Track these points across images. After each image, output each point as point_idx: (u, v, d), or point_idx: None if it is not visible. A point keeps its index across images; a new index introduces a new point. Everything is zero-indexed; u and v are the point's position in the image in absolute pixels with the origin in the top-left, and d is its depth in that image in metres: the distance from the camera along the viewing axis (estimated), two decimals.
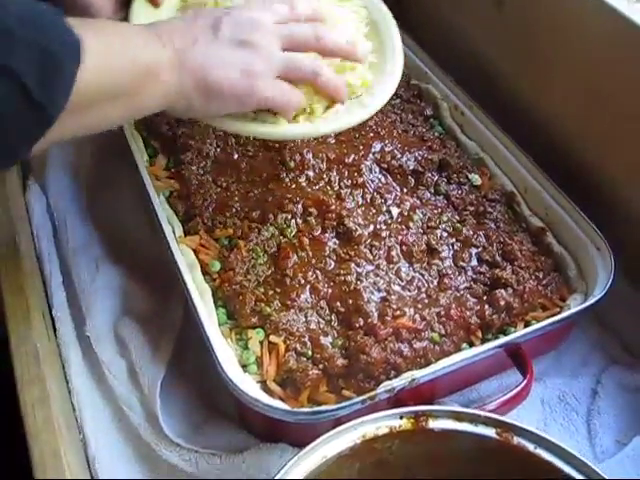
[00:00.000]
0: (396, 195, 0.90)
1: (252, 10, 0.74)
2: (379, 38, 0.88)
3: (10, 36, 0.52)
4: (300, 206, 0.86)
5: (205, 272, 0.80)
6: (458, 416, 0.62)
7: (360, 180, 0.90)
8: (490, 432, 0.62)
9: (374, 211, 0.88)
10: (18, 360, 0.72)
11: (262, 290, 0.79)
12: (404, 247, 0.84)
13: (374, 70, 0.84)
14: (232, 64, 0.69)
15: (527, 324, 0.80)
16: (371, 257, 0.82)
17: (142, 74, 0.64)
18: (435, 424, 0.62)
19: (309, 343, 0.75)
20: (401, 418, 0.61)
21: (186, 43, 0.68)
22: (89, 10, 0.79)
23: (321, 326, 0.77)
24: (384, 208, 0.88)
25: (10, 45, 0.52)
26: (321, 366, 0.73)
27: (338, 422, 0.61)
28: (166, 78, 0.66)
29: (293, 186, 0.89)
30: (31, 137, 0.56)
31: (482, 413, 0.63)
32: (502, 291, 0.80)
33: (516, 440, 0.61)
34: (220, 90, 0.69)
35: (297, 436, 0.72)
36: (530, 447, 0.61)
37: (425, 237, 0.85)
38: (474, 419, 0.62)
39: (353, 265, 0.81)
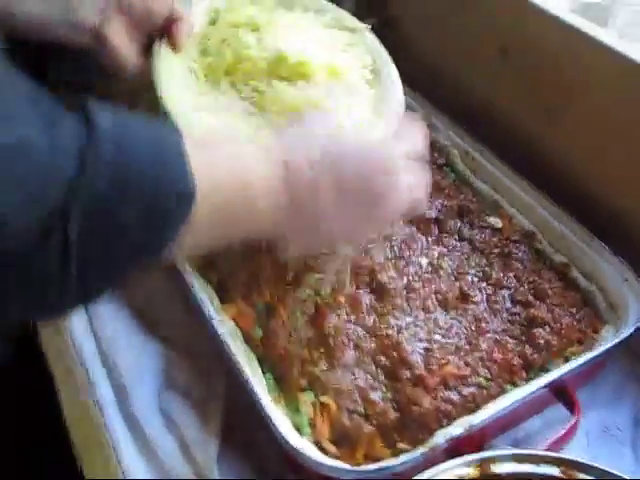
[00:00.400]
0: (422, 245, 0.92)
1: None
2: (382, 85, 0.91)
3: (124, 188, 0.52)
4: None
5: (247, 340, 0.81)
6: (520, 458, 0.64)
7: (385, 233, 0.92)
8: (554, 471, 0.63)
9: (404, 263, 0.89)
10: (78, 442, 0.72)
11: (307, 352, 0.80)
12: (438, 295, 0.85)
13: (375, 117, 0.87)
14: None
15: (566, 359, 0.81)
16: (408, 309, 0.84)
17: (254, 226, 0.67)
18: (499, 469, 0.63)
19: (359, 400, 0.76)
20: (468, 466, 0.63)
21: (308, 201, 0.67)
22: (116, 59, 0.84)
23: (369, 381, 0.77)
24: (413, 259, 0.90)
25: (122, 198, 0.52)
26: (374, 421, 0.74)
27: (398, 476, 0.62)
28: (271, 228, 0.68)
29: None
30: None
31: (542, 453, 0.64)
32: (540, 330, 0.82)
33: (581, 477, 0.62)
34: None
35: None
36: None
37: (457, 283, 0.87)
38: (535, 459, 0.63)
39: (391, 318, 0.82)
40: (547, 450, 0.73)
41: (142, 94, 0.95)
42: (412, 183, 0.72)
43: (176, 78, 0.87)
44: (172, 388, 0.84)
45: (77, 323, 0.91)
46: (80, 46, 0.84)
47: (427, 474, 0.61)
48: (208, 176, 0.58)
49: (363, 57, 0.93)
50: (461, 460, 0.62)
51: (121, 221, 0.52)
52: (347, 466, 0.69)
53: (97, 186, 0.50)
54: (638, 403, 0.85)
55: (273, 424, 0.70)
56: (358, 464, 0.72)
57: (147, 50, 0.89)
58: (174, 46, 0.88)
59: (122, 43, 0.85)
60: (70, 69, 1.00)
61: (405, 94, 1.12)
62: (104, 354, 0.88)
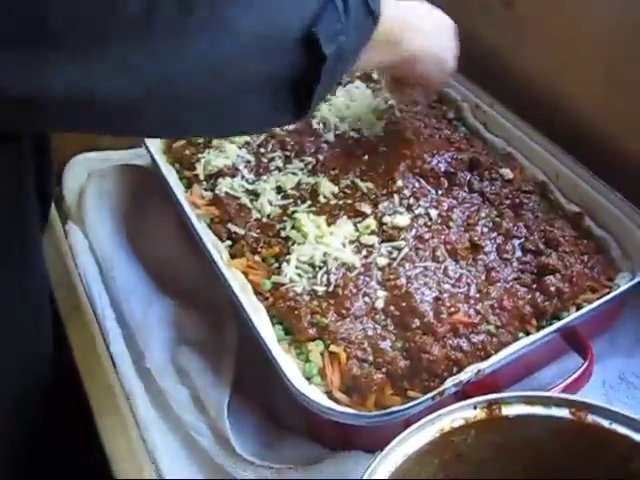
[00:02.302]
0: (432, 198, 0.92)
1: None
2: None
3: None
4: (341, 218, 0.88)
5: (257, 292, 0.81)
6: (530, 400, 0.63)
7: (394, 187, 0.92)
8: (564, 413, 0.62)
9: (413, 215, 0.89)
10: (93, 394, 0.73)
11: (316, 303, 0.80)
12: (448, 246, 0.85)
13: None
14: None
15: (579, 307, 0.80)
16: (417, 259, 0.83)
17: (408, 31, 0.83)
18: (509, 411, 0.62)
19: (369, 349, 0.76)
20: (475, 408, 0.62)
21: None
22: None
23: (378, 331, 0.77)
24: (423, 211, 0.90)
25: None
26: (384, 370, 0.74)
27: (407, 424, 0.61)
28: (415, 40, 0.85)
29: (332, 201, 0.91)
30: (367, 35, 0.71)
31: (554, 395, 0.63)
32: (551, 277, 0.81)
33: (590, 418, 0.62)
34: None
35: (369, 442, 0.73)
36: (605, 423, 0.61)
37: (467, 234, 0.86)
38: (546, 401, 0.63)
39: (401, 269, 0.82)
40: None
41: None
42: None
43: None
44: (184, 341, 0.85)
45: (90, 273, 0.92)
46: None
47: (432, 416, 0.61)
48: None
49: None
50: (468, 402, 0.62)
51: None
52: (355, 411, 0.69)
53: None
54: None
55: (284, 373, 0.71)
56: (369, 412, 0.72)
57: None
58: None
59: None
60: None
61: None
62: (116, 305, 0.89)
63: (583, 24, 0.95)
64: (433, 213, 0.89)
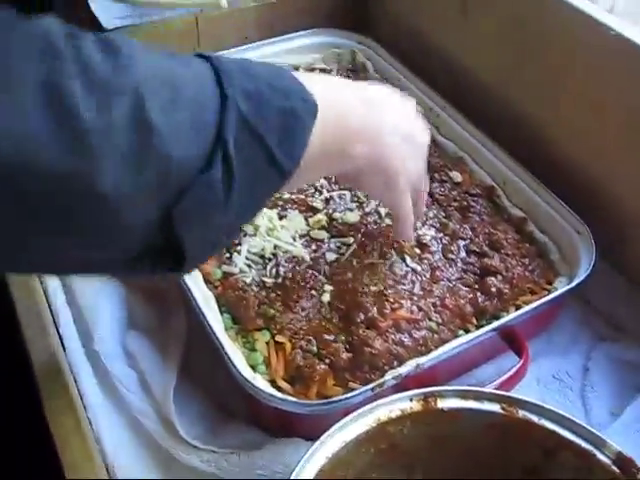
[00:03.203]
0: None
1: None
2: None
3: (261, 100, 0.54)
4: (293, 212, 0.90)
5: (207, 281, 0.83)
6: (464, 395, 0.65)
7: (347, 184, 0.94)
8: (495, 407, 0.65)
9: (363, 212, 0.92)
10: (40, 374, 0.74)
11: (264, 294, 0.82)
12: (395, 244, 0.87)
13: None
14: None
15: (518, 308, 0.84)
16: (365, 256, 0.86)
17: (352, 143, 0.67)
18: (443, 404, 0.65)
19: (314, 340, 0.78)
20: (411, 400, 0.65)
21: (384, 125, 0.71)
22: None
23: (323, 324, 0.80)
24: (373, 209, 0.92)
25: (261, 110, 0.54)
26: (327, 361, 0.76)
27: (348, 411, 0.64)
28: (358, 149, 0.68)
29: (285, 195, 0.93)
30: (266, 194, 0.58)
31: (487, 390, 0.66)
32: (492, 278, 0.84)
33: (521, 413, 0.64)
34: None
35: (310, 430, 0.74)
36: (534, 419, 0.64)
37: (415, 233, 0.89)
38: (479, 396, 0.65)
39: (348, 264, 0.85)
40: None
41: None
42: None
43: None
44: (133, 325, 0.86)
45: None
46: None
47: (370, 406, 0.63)
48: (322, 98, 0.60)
49: None
50: (404, 394, 0.64)
51: (260, 133, 0.53)
52: (298, 399, 0.72)
53: (239, 105, 0.52)
54: (588, 351, 0.88)
55: (229, 360, 0.72)
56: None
57: None
58: None
59: None
60: None
61: (374, 50, 1.15)
62: (67, 287, 0.90)
63: (536, 34, 0.98)
64: (383, 211, 0.92)
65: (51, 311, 0.87)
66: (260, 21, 1.05)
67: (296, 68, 1.15)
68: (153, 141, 0.46)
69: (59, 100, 0.42)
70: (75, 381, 0.81)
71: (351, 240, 0.87)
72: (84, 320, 0.86)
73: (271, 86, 0.55)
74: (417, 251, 0.88)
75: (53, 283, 0.90)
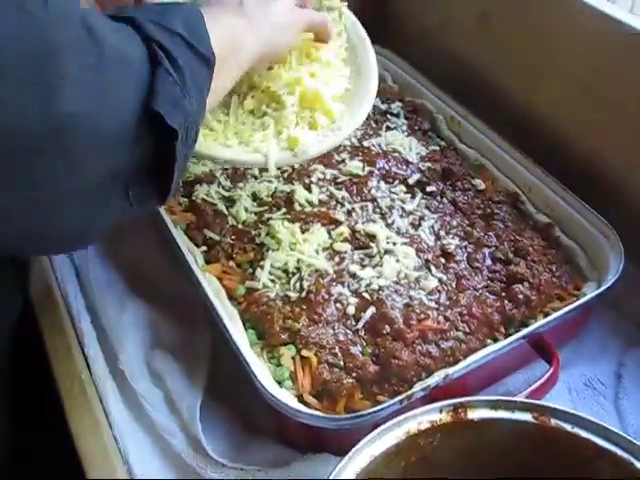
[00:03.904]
0: (405, 207, 0.93)
1: None
2: (357, 63, 0.92)
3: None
4: (315, 225, 0.90)
5: (230, 297, 0.83)
6: (495, 404, 0.64)
7: (369, 196, 0.93)
8: (527, 417, 0.63)
9: (386, 223, 0.91)
10: (66, 394, 0.74)
11: (289, 308, 0.81)
12: (420, 254, 0.86)
13: (351, 94, 0.88)
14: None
15: (546, 315, 0.82)
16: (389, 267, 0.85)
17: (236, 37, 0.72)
18: (473, 414, 0.64)
19: (340, 354, 0.77)
20: (441, 412, 0.63)
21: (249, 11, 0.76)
22: None
23: (349, 337, 0.79)
24: (396, 219, 0.91)
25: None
26: (354, 374, 0.75)
27: (377, 425, 0.63)
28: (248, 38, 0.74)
29: (307, 208, 0.93)
30: (205, 85, 0.64)
31: (517, 399, 0.64)
32: (519, 286, 0.83)
33: (553, 422, 0.63)
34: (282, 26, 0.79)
35: (338, 444, 0.73)
36: (567, 427, 0.62)
37: (439, 242, 0.88)
38: (510, 406, 0.64)
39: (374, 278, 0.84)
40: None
41: None
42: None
43: None
44: (158, 344, 0.86)
45: (67, 278, 0.93)
46: None
47: (399, 419, 0.62)
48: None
49: (339, 34, 0.94)
50: (434, 406, 0.63)
51: (171, 28, 0.61)
52: (325, 414, 0.71)
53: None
54: (620, 358, 0.87)
55: (255, 376, 0.72)
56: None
57: None
58: None
59: None
60: None
61: (391, 61, 1.14)
62: (92, 307, 0.90)
63: (562, 41, 0.97)
64: (406, 222, 0.91)
65: (76, 332, 0.87)
66: None
67: None
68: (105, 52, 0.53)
69: None
70: (101, 401, 0.81)
71: (374, 251, 0.86)
72: (109, 340, 0.86)
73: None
74: (442, 260, 0.87)
75: (78, 304, 0.89)
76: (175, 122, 0.57)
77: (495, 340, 0.80)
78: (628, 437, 0.60)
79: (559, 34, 0.96)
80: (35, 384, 0.85)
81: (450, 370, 0.72)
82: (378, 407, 0.69)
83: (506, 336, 0.80)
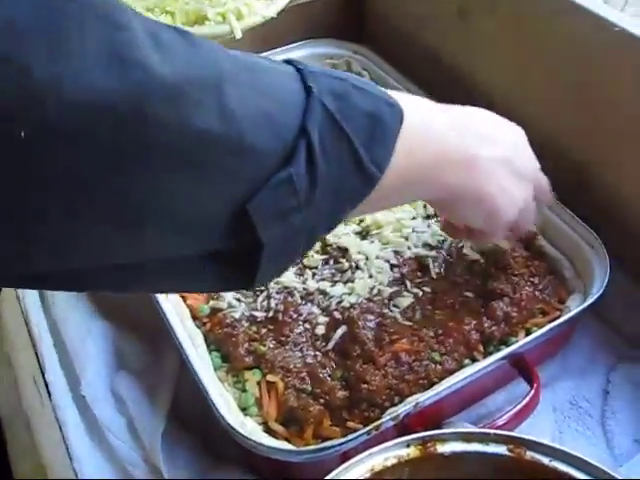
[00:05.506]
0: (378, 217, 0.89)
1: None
2: None
3: (347, 99, 0.49)
4: None
5: (195, 317, 0.79)
6: (467, 437, 0.60)
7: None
8: (501, 449, 0.59)
9: (360, 237, 0.87)
10: (10, 433, 0.70)
11: (255, 329, 0.77)
12: (394, 269, 0.82)
13: None
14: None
15: (528, 331, 0.78)
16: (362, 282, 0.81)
17: (442, 164, 0.60)
18: (444, 448, 0.60)
19: (308, 378, 0.73)
20: (408, 446, 0.59)
21: (484, 152, 0.63)
22: None
23: (318, 359, 0.75)
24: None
25: (347, 109, 0.49)
26: (322, 400, 0.72)
27: (346, 455, 0.59)
28: (456, 175, 0.61)
29: None
30: (348, 201, 0.51)
31: (491, 431, 0.60)
32: (499, 302, 0.78)
33: (529, 455, 0.59)
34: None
35: (306, 473, 0.70)
36: (545, 460, 0.58)
37: (416, 254, 0.84)
38: (483, 438, 0.60)
39: (345, 295, 0.80)
40: (506, 424, 0.71)
41: None
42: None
43: None
44: (123, 368, 0.82)
45: (30, 300, 0.89)
46: None
47: (363, 455, 0.58)
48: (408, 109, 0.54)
49: None
50: (401, 440, 0.59)
51: (347, 131, 0.48)
52: (288, 446, 0.67)
53: (324, 100, 0.47)
54: (607, 374, 0.82)
55: (214, 405, 0.68)
56: (307, 444, 0.70)
57: None
58: None
59: None
60: None
61: (370, 60, 1.10)
62: (54, 329, 0.86)
63: (542, 41, 0.92)
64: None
65: (37, 357, 0.83)
66: (252, 35, 1.01)
67: None
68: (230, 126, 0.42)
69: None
70: (61, 429, 0.77)
71: (346, 266, 0.82)
72: (71, 363, 0.82)
73: (357, 88, 0.50)
74: (418, 274, 0.82)
75: (39, 329, 0.86)
76: (268, 235, 0.46)
77: (473, 360, 0.76)
78: (607, 470, 0.56)
79: (541, 32, 0.91)
80: None
81: (421, 397, 0.68)
82: (343, 439, 0.65)
83: (485, 355, 0.76)
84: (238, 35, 0.92)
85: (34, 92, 0.34)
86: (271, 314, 0.78)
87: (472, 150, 0.62)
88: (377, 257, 0.83)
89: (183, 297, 0.80)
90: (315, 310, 0.78)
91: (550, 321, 0.77)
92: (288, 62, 0.51)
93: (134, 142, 0.37)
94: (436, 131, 0.59)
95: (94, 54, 0.36)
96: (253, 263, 0.47)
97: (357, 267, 0.82)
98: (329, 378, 0.73)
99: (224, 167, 0.42)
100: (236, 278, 0.49)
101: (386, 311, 0.78)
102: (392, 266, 0.83)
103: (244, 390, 0.73)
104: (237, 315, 0.78)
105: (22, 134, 0.34)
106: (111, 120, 0.36)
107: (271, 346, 0.75)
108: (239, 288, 0.52)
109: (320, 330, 0.77)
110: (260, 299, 0.79)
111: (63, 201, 0.37)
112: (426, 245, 0.85)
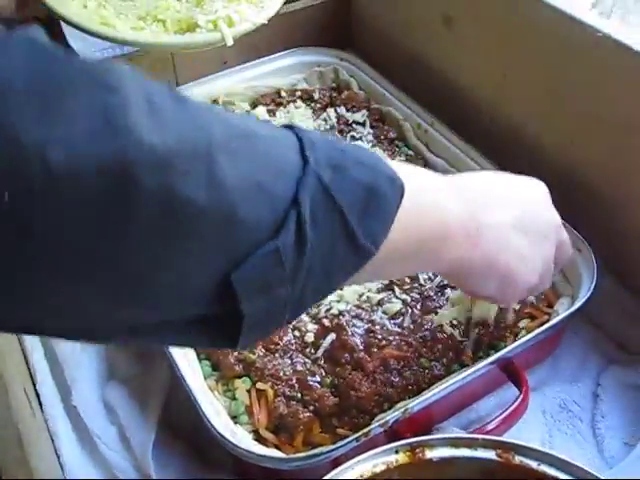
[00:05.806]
0: None
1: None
2: None
3: (344, 172, 0.48)
4: None
5: None
6: (455, 442, 0.60)
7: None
8: (490, 454, 0.60)
9: None
10: (0, 444, 0.70)
11: None
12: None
13: None
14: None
15: (516, 336, 0.78)
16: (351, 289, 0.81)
17: (442, 238, 0.57)
18: (432, 454, 0.60)
19: (297, 385, 0.73)
20: (397, 452, 0.59)
21: (491, 219, 0.61)
22: None
23: (308, 366, 0.75)
24: None
25: (343, 182, 0.47)
26: (312, 407, 0.72)
27: (336, 462, 0.59)
28: (459, 248, 0.59)
29: None
30: (340, 276, 0.50)
31: (479, 436, 0.61)
32: None
33: (518, 459, 0.59)
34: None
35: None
36: (533, 464, 0.59)
37: None
38: (472, 443, 0.60)
39: (334, 302, 0.80)
40: (496, 429, 0.71)
41: None
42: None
43: None
44: (113, 378, 0.82)
45: None
46: None
47: (351, 462, 0.58)
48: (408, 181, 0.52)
49: None
50: (389, 446, 0.59)
51: (340, 205, 0.46)
52: (277, 454, 0.67)
53: (320, 172, 0.46)
54: (597, 377, 0.83)
55: (201, 410, 0.68)
56: (297, 451, 0.70)
57: None
58: None
59: None
60: None
61: (357, 67, 1.10)
62: (46, 343, 0.86)
63: (523, 43, 0.93)
64: None
65: (28, 367, 0.83)
66: (240, 44, 1.01)
67: (278, 91, 1.11)
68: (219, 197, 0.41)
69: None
70: (52, 440, 0.77)
71: None
72: (62, 374, 0.82)
73: (357, 160, 0.49)
74: (407, 279, 0.82)
75: (31, 339, 0.86)
76: (250, 307, 0.44)
77: (462, 365, 0.76)
78: (596, 474, 0.57)
79: (525, 37, 0.92)
80: None
81: (410, 403, 0.68)
82: (333, 446, 0.65)
83: (474, 360, 0.76)
84: (229, 42, 0.92)
85: (20, 156, 0.34)
86: None
87: (477, 219, 0.60)
88: None
89: None
90: (304, 318, 0.79)
91: (539, 325, 0.77)
92: (289, 127, 0.49)
93: (118, 208, 0.37)
94: (437, 203, 0.57)
95: (84, 119, 0.35)
96: (235, 330, 0.46)
97: None
98: (318, 385, 0.73)
99: (210, 238, 0.41)
100: (221, 339, 0.47)
101: (375, 317, 0.78)
102: None
103: (234, 398, 0.74)
104: None
105: (6, 198, 0.33)
106: (95, 186, 0.35)
107: (261, 354, 0.75)
108: (224, 348, 0.51)
109: (309, 338, 0.77)
110: None
111: (46, 264, 0.37)
112: None
